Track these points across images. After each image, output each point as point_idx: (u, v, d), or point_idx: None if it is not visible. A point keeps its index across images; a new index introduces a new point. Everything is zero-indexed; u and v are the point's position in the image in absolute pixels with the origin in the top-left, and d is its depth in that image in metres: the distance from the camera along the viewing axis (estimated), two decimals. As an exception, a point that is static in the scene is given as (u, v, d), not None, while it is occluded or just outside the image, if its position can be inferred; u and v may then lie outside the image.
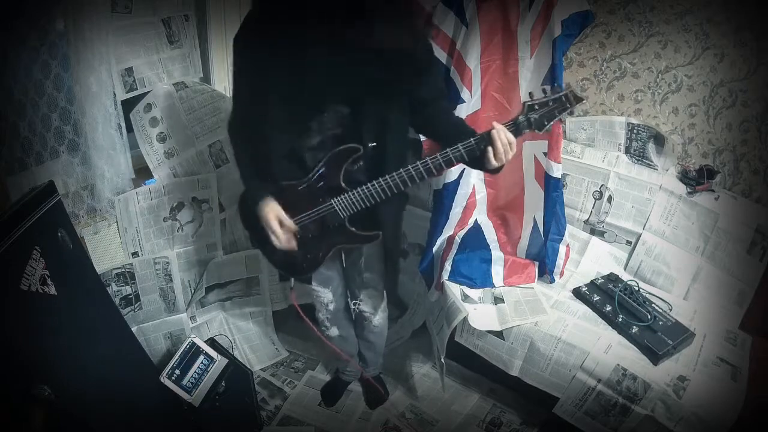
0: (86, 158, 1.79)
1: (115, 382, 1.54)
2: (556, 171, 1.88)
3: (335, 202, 1.48)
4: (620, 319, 1.78)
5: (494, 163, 1.34)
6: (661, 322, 1.74)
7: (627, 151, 2.09)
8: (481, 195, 2.13)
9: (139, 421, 1.60)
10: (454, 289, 1.91)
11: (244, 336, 2.36)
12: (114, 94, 1.79)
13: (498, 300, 1.92)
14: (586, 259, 2.13)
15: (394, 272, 1.83)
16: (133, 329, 1.98)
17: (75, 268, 1.57)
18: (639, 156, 2.07)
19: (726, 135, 1.91)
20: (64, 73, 1.67)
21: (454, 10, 1.82)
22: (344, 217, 1.51)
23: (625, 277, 2.01)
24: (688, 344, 1.72)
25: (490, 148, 1.33)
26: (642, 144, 2.05)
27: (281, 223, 1.49)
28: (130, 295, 2.04)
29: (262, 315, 2.37)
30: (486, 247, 2.04)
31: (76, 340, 1.46)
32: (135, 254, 2.03)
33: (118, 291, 2.00)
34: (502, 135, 1.31)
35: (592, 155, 2.11)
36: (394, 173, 1.41)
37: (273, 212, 1.48)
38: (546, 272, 2.02)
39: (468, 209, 2.11)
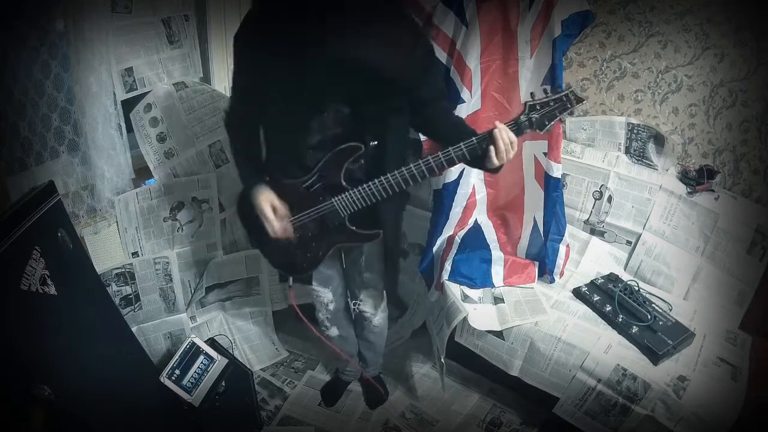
0: (86, 158, 1.79)
1: (115, 382, 1.54)
2: (556, 171, 1.88)
3: (336, 201, 1.48)
4: (620, 319, 1.78)
5: (496, 162, 1.35)
6: (661, 322, 1.74)
7: (627, 151, 2.09)
8: (481, 195, 2.13)
9: (139, 421, 1.60)
10: (454, 289, 1.91)
11: (244, 336, 2.35)
12: (114, 94, 1.79)
13: (498, 300, 1.92)
14: (586, 259, 2.13)
15: (394, 272, 1.83)
16: (133, 329, 1.98)
17: (75, 268, 1.57)
18: (639, 156, 2.07)
19: (726, 135, 1.92)
20: (64, 73, 1.67)
21: (454, 10, 1.82)
22: (344, 216, 1.51)
23: (625, 277, 2.01)
24: (688, 344, 1.72)
25: (492, 147, 1.34)
26: (642, 144, 2.05)
27: (275, 210, 1.49)
28: (130, 295, 2.04)
29: (262, 315, 2.37)
30: (486, 247, 2.04)
31: (76, 340, 1.46)
32: (135, 254, 2.03)
33: (118, 291, 2.00)
34: (504, 134, 1.32)
35: (592, 155, 2.11)
36: (395, 172, 1.41)
37: (266, 199, 1.48)
38: (546, 272, 2.02)
39: (468, 209, 2.11)
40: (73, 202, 1.80)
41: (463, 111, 1.88)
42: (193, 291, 2.19)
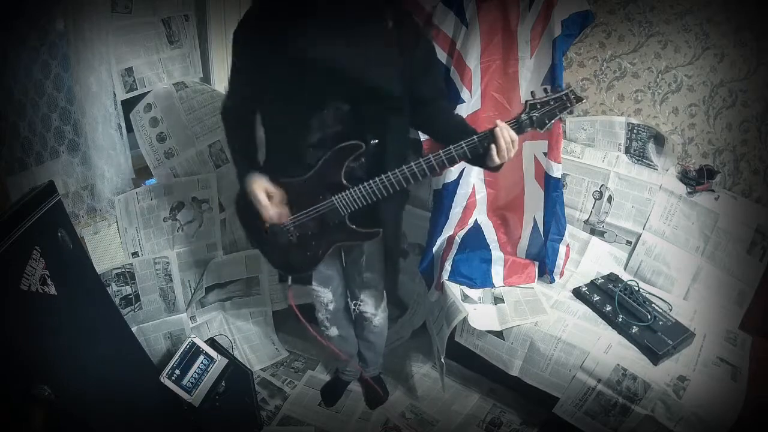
0: (86, 158, 1.79)
1: (115, 382, 1.54)
2: (556, 171, 1.88)
3: (336, 199, 1.48)
4: (620, 319, 1.78)
5: (497, 160, 1.36)
6: (661, 322, 1.74)
7: (627, 151, 2.09)
8: (481, 195, 2.13)
9: (139, 421, 1.60)
10: (454, 289, 1.91)
11: (244, 336, 2.35)
12: (114, 94, 1.79)
13: (498, 300, 1.92)
14: (586, 259, 2.13)
15: (394, 272, 1.83)
16: (133, 329, 1.98)
17: (75, 268, 1.57)
18: (639, 156, 2.07)
19: (726, 135, 1.92)
20: (64, 73, 1.67)
21: (454, 10, 1.82)
22: (345, 214, 1.51)
23: (625, 277, 2.01)
24: (688, 344, 1.72)
25: (493, 146, 1.34)
26: (642, 144, 2.05)
27: (271, 197, 1.49)
28: (130, 295, 2.04)
29: (262, 315, 2.37)
30: (486, 247, 2.04)
31: (76, 340, 1.46)
32: (135, 254, 2.03)
33: (118, 291, 2.00)
34: (505, 133, 1.33)
35: (592, 155, 2.11)
36: (396, 170, 1.41)
37: (260, 185, 1.48)
38: (546, 272, 2.02)
39: (468, 209, 2.11)
40: (73, 202, 1.80)
41: (463, 111, 1.88)
42: (193, 291, 2.19)
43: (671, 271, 1.98)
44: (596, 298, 1.88)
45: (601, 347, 1.70)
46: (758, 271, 1.85)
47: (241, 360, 2.13)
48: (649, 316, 1.76)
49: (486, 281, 1.97)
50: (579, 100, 1.37)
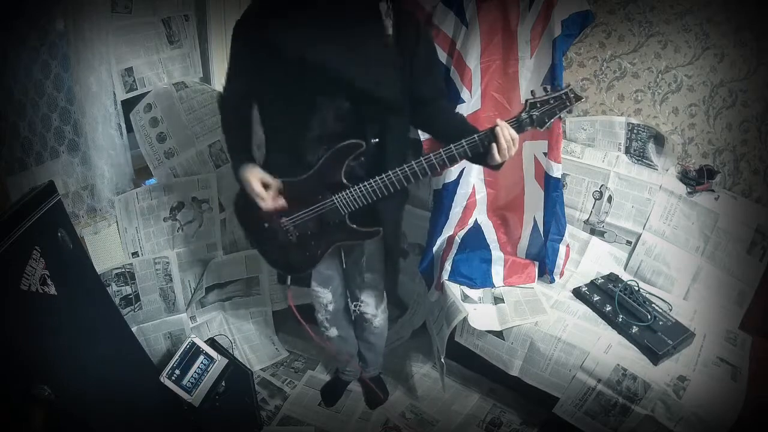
0: (86, 158, 1.79)
1: (115, 382, 1.54)
2: (556, 171, 1.88)
3: (336, 199, 1.48)
4: (620, 319, 1.78)
5: (498, 159, 1.36)
6: (661, 322, 1.74)
7: (627, 151, 2.09)
8: (481, 195, 2.13)
9: (139, 421, 1.60)
10: (454, 289, 1.91)
11: (244, 336, 2.36)
12: (114, 94, 1.79)
13: (498, 300, 1.92)
14: (586, 259, 2.13)
15: (395, 272, 1.83)
16: (133, 329, 1.98)
17: (75, 268, 1.57)
18: (639, 156, 2.07)
19: (726, 135, 1.92)
20: (64, 73, 1.67)
21: (454, 10, 1.82)
22: (345, 214, 1.50)
23: (625, 277, 2.01)
24: (688, 344, 1.72)
25: (494, 145, 1.34)
26: (642, 144, 2.05)
27: (266, 185, 1.48)
28: (130, 295, 2.04)
29: (262, 315, 2.37)
30: (486, 247, 2.04)
31: (76, 340, 1.46)
32: (135, 254, 2.03)
33: (118, 291, 2.00)
34: (505, 132, 1.34)
35: (592, 155, 2.12)
36: (397, 169, 1.41)
37: (254, 175, 1.47)
38: (546, 272, 2.02)
39: (468, 209, 2.11)
40: (73, 202, 1.80)
41: (463, 111, 1.88)
42: (193, 291, 2.19)
43: (671, 271, 1.98)
44: (596, 298, 1.88)
45: (601, 347, 1.70)
46: (758, 271, 1.85)
47: (241, 360, 2.13)
48: (649, 316, 1.76)
49: (486, 281, 1.97)
50: (578, 98, 1.38)
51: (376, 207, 1.49)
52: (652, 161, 2.05)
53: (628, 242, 2.09)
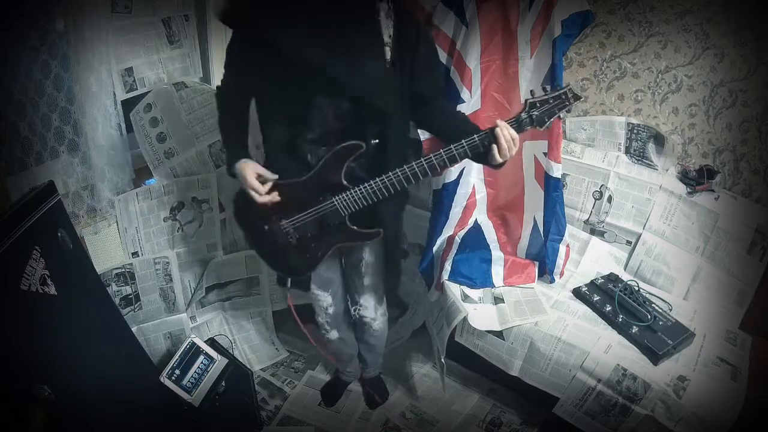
0: (86, 158, 1.79)
1: (115, 382, 1.54)
2: (556, 171, 1.88)
3: (337, 200, 1.48)
4: (620, 319, 1.78)
5: (498, 159, 1.37)
6: (661, 322, 1.74)
7: (627, 151, 2.09)
8: (481, 195, 2.13)
9: (139, 421, 1.60)
10: (454, 289, 1.91)
11: (244, 336, 2.36)
12: (114, 94, 1.79)
13: (498, 300, 1.92)
14: (586, 259, 2.13)
15: (396, 273, 1.82)
16: (133, 329, 1.98)
17: (75, 268, 1.57)
18: (639, 156, 2.07)
19: (726, 135, 1.91)
20: (64, 73, 1.67)
21: (454, 10, 1.82)
22: (345, 215, 1.50)
23: (625, 277, 2.01)
24: (688, 344, 1.72)
25: (494, 145, 1.35)
26: (642, 144, 2.05)
27: (262, 180, 1.48)
28: (130, 295, 2.04)
29: (262, 315, 2.37)
30: (486, 247, 2.04)
31: (76, 340, 1.46)
32: (135, 254, 2.03)
33: (118, 291, 2.00)
34: (505, 132, 1.34)
35: (592, 155, 2.11)
36: (397, 170, 1.41)
37: (250, 169, 1.47)
38: (546, 272, 2.02)
39: (468, 209, 2.11)
40: (73, 202, 1.80)
41: (462, 111, 1.88)
42: (193, 291, 2.19)
43: (671, 271, 1.98)
44: (596, 298, 1.88)
45: (601, 347, 1.70)
46: (758, 271, 1.85)
47: (241, 360, 2.13)
48: (649, 316, 1.76)
49: (486, 281, 1.97)
50: (577, 98, 1.39)
51: (376, 208, 1.49)
52: (652, 161, 2.05)
53: (628, 242, 2.09)
